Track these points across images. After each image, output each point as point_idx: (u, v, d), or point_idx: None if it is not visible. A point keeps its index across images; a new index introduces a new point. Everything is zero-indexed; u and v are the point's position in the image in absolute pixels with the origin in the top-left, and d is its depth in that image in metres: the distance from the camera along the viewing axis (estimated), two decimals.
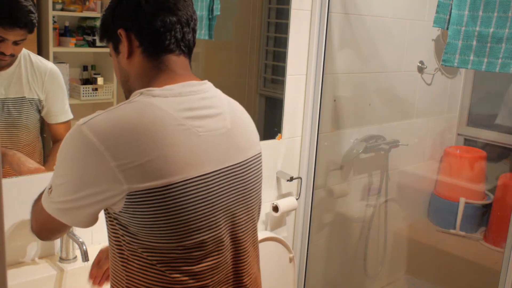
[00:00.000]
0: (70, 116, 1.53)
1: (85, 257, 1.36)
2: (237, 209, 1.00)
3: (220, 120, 0.97)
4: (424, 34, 2.50)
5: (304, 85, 2.04)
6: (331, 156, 2.28)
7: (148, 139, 0.86)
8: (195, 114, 0.93)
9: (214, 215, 0.95)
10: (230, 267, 1.02)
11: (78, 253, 1.45)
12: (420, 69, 2.55)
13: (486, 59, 1.58)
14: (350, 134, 2.35)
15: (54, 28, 1.48)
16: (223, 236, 0.98)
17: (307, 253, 2.17)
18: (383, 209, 2.58)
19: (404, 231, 2.77)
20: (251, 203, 1.04)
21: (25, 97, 1.44)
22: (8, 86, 1.42)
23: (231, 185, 0.98)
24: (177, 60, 0.98)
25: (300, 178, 2.09)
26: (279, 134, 2.02)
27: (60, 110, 1.52)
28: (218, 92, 1.03)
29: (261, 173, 1.08)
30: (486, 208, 2.63)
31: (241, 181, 1.00)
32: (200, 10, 1.71)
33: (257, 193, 1.07)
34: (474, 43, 1.60)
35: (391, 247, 2.68)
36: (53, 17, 1.46)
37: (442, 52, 1.71)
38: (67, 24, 1.51)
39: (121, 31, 0.97)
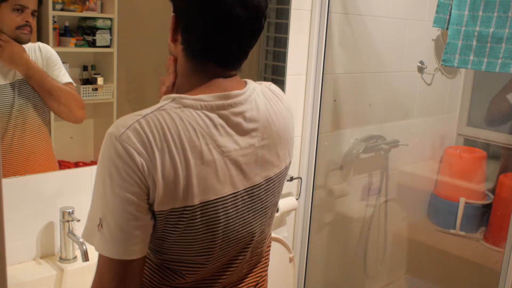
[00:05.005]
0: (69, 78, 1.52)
1: (85, 257, 1.36)
2: (255, 228, 1.00)
3: (249, 137, 0.92)
4: (424, 34, 2.50)
5: (304, 85, 2.04)
6: (331, 156, 2.28)
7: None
8: (222, 132, 0.89)
9: (231, 235, 0.95)
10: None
11: (78, 253, 1.45)
12: (420, 69, 2.55)
13: (486, 59, 1.58)
14: (350, 134, 2.35)
15: (54, 28, 1.48)
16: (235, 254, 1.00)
17: (307, 253, 2.17)
18: (383, 209, 2.58)
19: (404, 231, 2.77)
20: (266, 219, 1.04)
21: None
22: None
23: (251, 206, 0.97)
24: (218, 68, 0.92)
25: (300, 178, 2.09)
26: None
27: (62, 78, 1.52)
28: (259, 100, 0.96)
29: (281, 187, 1.05)
30: (486, 208, 2.63)
31: (260, 200, 0.98)
32: None
33: (273, 208, 1.05)
34: (474, 43, 1.60)
35: (391, 247, 2.68)
36: (53, 17, 1.46)
37: (442, 52, 1.71)
38: (67, 24, 1.51)
39: (173, 17, 0.92)
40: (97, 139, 1.62)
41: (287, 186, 2.08)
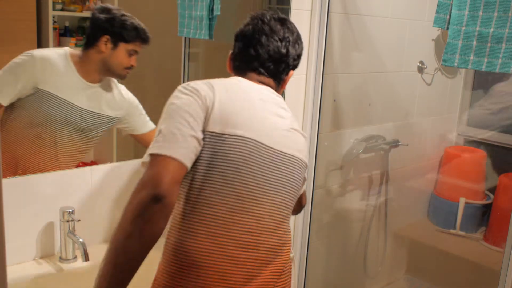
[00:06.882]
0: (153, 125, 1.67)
1: (85, 257, 1.36)
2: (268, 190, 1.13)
3: (283, 118, 1.19)
4: (424, 34, 2.50)
5: (304, 85, 2.04)
6: (331, 156, 2.28)
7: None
8: (268, 101, 1.18)
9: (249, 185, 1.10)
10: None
11: (78, 253, 1.45)
12: (420, 69, 2.55)
13: (486, 59, 1.58)
14: (350, 134, 2.35)
15: (54, 28, 1.48)
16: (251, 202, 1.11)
17: (307, 253, 2.17)
18: (383, 209, 2.58)
19: (404, 231, 2.77)
20: (280, 197, 1.15)
21: (102, 114, 1.56)
22: (94, 100, 1.53)
23: (269, 170, 1.12)
24: (258, 77, 1.24)
25: None
26: None
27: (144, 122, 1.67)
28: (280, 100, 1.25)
29: (295, 183, 1.19)
30: (486, 208, 2.63)
31: (279, 171, 1.14)
32: (200, 10, 1.72)
33: (287, 195, 1.17)
34: (474, 43, 1.60)
35: (391, 247, 2.68)
36: (53, 17, 1.47)
37: (442, 52, 1.71)
38: (67, 24, 1.51)
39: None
40: None
41: None
